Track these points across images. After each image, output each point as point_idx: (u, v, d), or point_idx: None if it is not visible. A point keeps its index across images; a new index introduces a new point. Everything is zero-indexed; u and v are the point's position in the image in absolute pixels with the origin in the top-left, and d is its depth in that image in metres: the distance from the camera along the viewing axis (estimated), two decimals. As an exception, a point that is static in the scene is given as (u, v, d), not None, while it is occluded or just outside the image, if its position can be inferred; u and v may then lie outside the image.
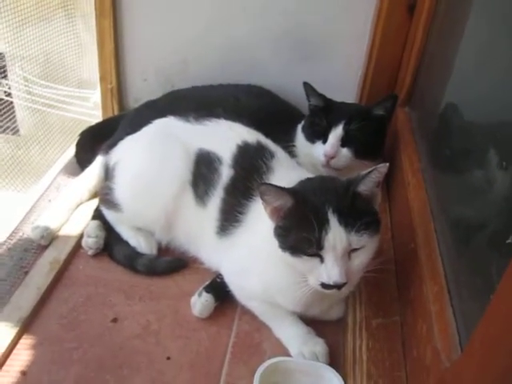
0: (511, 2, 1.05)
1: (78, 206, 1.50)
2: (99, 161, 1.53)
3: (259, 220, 1.13)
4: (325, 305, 1.18)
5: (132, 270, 1.32)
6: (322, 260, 0.99)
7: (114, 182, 1.37)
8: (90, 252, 1.35)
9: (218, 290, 1.22)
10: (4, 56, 1.96)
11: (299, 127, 1.56)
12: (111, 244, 1.37)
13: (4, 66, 1.97)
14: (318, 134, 1.48)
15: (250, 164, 1.23)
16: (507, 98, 0.97)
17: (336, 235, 0.97)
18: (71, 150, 1.75)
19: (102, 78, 1.87)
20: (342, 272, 0.97)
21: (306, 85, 1.50)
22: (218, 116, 1.38)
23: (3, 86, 1.97)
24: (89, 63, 1.95)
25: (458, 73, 1.32)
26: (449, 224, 1.07)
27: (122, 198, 1.35)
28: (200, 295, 1.21)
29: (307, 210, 0.99)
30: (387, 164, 1.02)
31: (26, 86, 1.97)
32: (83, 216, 1.46)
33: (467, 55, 1.28)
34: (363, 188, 1.02)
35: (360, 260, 1.01)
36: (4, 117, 1.92)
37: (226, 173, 1.24)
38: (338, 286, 0.99)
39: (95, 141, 1.68)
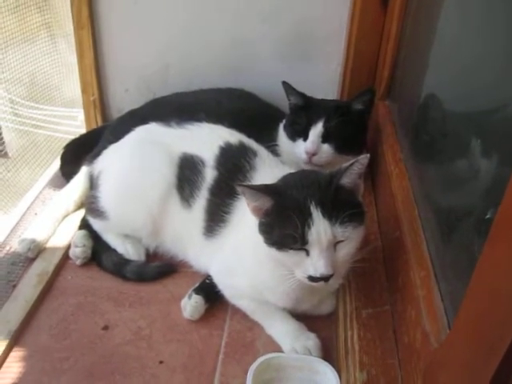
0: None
1: (64, 217, 1.49)
2: (84, 171, 1.53)
3: (244, 218, 1.13)
4: (315, 299, 1.18)
5: (121, 277, 1.32)
6: (307, 253, 0.99)
7: (99, 191, 1.37)
8: (78, 262, 1.35)
9: (208, 291, 1.22)
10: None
11: (281, 126, 1.56)
12: (99, 253, 1.37)
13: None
14: (298, 131, 1.48)
15: (233, 164, 1.24)
16: (482, 86, 0.98)
17: (320, 228, 0.96)
18: (56, 164, 1.75)
19: (84, 90, 1.87)
20: (327, 264, 0.97)
21: (285, 84, 1.51)
22: (200, 120, 1.38)
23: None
24: (74, 82, 1.95)
25: (435, 63, 1.33)
26: (432, 210, 1.08)
27: (108, 205, 1.34)
28: (190, 297, 1.20)
29: (288, 207, 0.99)
30: (368, 155, 1.03)
31: (12, 108, 1.96)
32: (70, 227, 1.46)
33: (442, 45, 1.29)
34: (346, 180, 1.02)
35: (345, 251, 1.01)
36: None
37: (209, 174, 1.25)
38: (325, 278, 0.99)
39: (79, 153, 1.67)
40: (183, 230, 1.29)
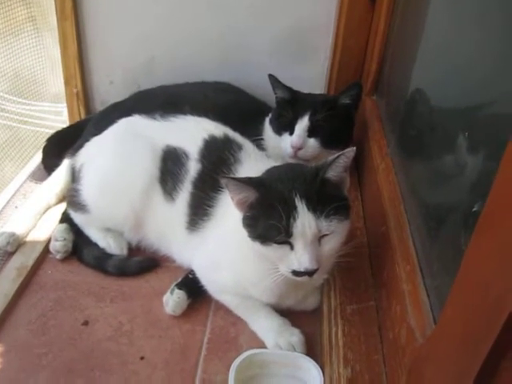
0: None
1: (45, 210, 1.46)
2: (66, 164, 1.50)
3: (228, 212, 1.11)
4: (300, 295, 1.17)
5: (102, 271, 1.29)
6: (291, 247, 0.97)
7: (81, 184, 1.34)
8: (59, 256, 1.32)
9: (191, 286, 1.20)
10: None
11: (267, 120, 1.55)
12: (80, 247, 1.34)
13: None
14: (284, 125, 1.47)
15: (218, 157, 1.22)
16: (469, 81, 0.98)
17: (305, 221, 0.95)
18: (38, 157, 1.71)
19: (67, 82, 1.83)
20: (312, 258, 0.96)
21: (272, 77, 1.50)
22: (185, 113, 1.36)
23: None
24: (59, 77, 1.92)
25: (422, 58, 1.33)
26: (418, 204, 1.07)
27: (89, 198, 1.32)
28: (172, 292, 1.18)
29: (273, 199, 0.97)
30: (354, 148, 1.01)
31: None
32: (51, 221, 1.43)
33: (430, 40, 1.29)
34: (332, 174, 1.00)
35: (330, 245, 0.99)
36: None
37: (193, 167, 1.23)
38: (310, 273, 0.97)
39: (62, 146, 1.64)
40: (166, 224, 1.27)
